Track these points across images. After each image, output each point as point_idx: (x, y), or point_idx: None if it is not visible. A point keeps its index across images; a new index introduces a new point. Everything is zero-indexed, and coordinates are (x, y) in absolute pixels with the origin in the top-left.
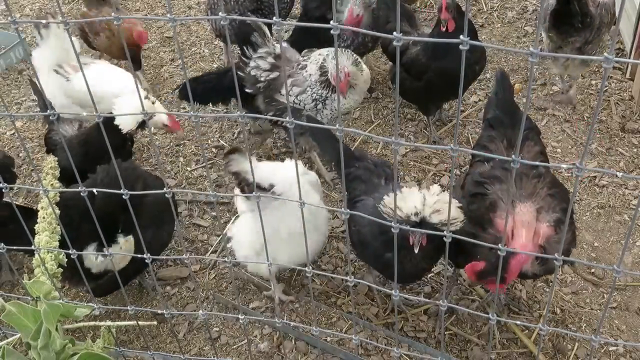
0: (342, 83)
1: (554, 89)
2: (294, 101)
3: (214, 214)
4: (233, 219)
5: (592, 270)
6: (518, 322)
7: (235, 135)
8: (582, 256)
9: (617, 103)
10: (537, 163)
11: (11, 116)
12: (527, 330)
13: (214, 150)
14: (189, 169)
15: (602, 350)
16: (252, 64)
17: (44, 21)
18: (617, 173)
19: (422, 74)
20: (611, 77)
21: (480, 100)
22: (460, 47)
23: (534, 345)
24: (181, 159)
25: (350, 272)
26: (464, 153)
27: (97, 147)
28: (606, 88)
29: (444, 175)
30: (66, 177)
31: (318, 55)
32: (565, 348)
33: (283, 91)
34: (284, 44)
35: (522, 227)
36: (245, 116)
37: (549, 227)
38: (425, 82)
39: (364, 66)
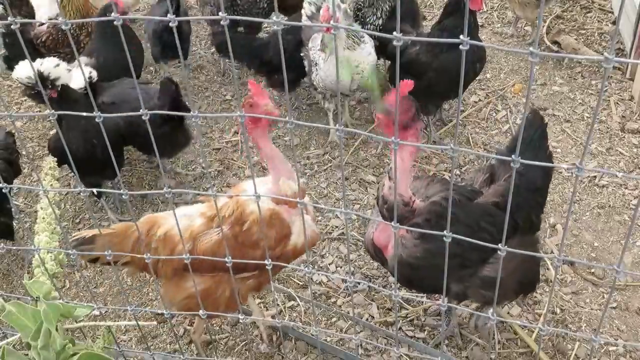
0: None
1: (554, 89)
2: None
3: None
4: None
5: (592, 270)
6: (518, 322)
7: (232, 135)
8: (582, 256)
9: (617, 103)
10: (539, 163)
11: (11, 116)
12: (527, 330)
13: (215, 149)
14: (190, 168)
15: (602, 350)
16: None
17: (43, 21)
18: (617, 173)
19: (423, 73)
20: (611, 77)
21: (480, 100)
22: (461, 47)
23: (535, 344)
24: (181, 159)
25: (350, 272)
26: (464, 153)
27: None
28: (606, 88)
29: (444, 175)
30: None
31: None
32: (565, 348)
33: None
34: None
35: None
36: (244, 116)
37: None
38: (426, 81)
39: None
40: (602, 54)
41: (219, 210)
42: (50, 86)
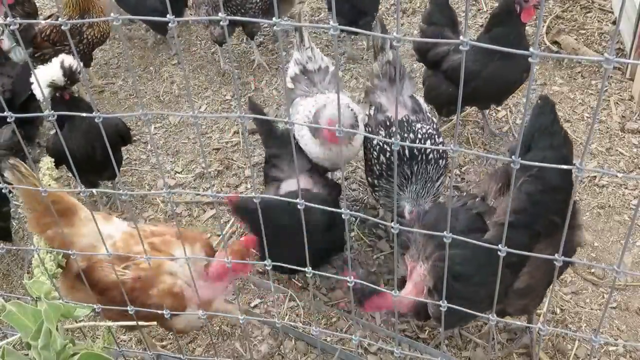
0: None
1: (554, 89)
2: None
3: (213, 212)
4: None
5: (592, 270)
6: (518, 322)
7: (232, 135)
8: (582, 256)
9: (617, 103)
10: (539, 164)
11: (11, 116)
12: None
13: (214, 151)
14: (188, 170)
15: (602, 350)
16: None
17: (42, 21)
18: (618, 173)
19: (468, 81)
20: (611, 77)
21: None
22: (460, 47)
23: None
24: (181, 159)
25: (350, 272)
26: (463, 153)
27: None
28: (606, 88)
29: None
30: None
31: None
32: (565, 348)
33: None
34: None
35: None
36: (244, 117)
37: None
38: (469, 89)
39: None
40: (602, 54)
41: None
42: (70, 84)
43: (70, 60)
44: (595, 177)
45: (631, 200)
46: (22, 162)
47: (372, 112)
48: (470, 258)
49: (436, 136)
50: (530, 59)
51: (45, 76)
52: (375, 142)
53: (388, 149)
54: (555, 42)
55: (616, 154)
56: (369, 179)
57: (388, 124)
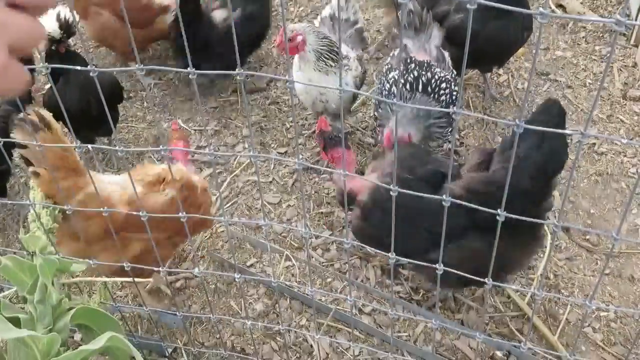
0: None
1: (557, 54)
2: None
3: (210, 170)
4: (228, 178)
5: (587, 237)
6: (513, 287)
7: (230, 93)
8: (578, 223)
9: (620, 70)
10: (541, 128)
11: None
12: (519, 294)
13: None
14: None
15: (594, 316)
16: None
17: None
18: (622, 139)
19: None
20: (616, 43)
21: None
22: (468, 5)
23: (528, 308)
24: (179, 119)
25: (347, 234)
26: (464, 117)
27: None
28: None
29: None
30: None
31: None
32: (557, 313)
33: None
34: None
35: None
36: (243, 73)
37: None
38: (471, 49)
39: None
40: (611, 17)
41: (160, 175)
42: (66, 37)
43: (66, 12)
44: (594, 144)
45: (629, 168)
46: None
47: (396, 52)
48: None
49: (452, 83)
50: (539, 19)
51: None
52: (391, 75)
53: (401, 80)
54: (560, 6)
55: (617, 122)
56: (377, 102)
57: (409, 61)
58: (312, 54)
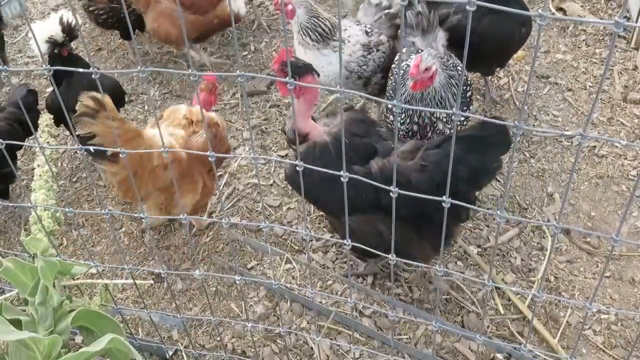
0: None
1: (557, 57)
2: None
3: None
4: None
5: (588, 240)
6: (513, 289)
7: (232, 95)
8: (578, 225)
9: (621, 73)
10: (540, 129)
11: (6, 70)
12: (519, 297)
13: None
14: None
15: (594, 318)
16: None
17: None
18: (621, 141)
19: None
20: (615, 45)
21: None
22: (467, 7)
23: (528, 310)
24: None
25: (348, 236)
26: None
27: None
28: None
29: None
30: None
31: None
32: (557, 315)
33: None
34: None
35: None
36: (244, 75)
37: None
38: (470, 48)
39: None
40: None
41: (186, 115)
42: (68, 40)
43: (69, 16)
44: (594, 147)
45: (630, 171)
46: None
47: (404, 50)
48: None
49: (466, 79)
50: (538, 21)
51: (44, 31)
52: (403, 64)
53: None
54: (560, 9)
55: (617, 124)
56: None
57: (421, 50)
58: (296, 25)
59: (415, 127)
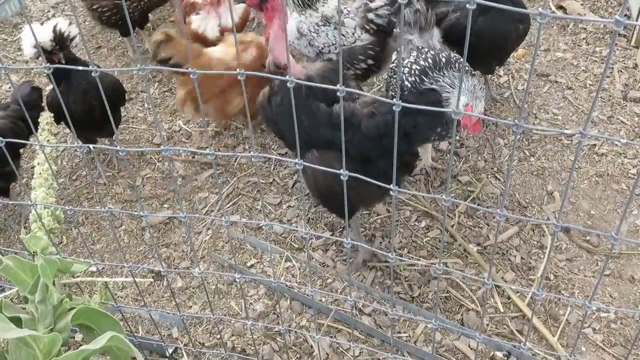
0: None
1: (557, 55)
2: None
3: (211, 171)
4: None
5: (587, 238)
6: (513, 287)
7: None
8: (578, 224)
9: (621, 71)
10: (541, 128)
11: (5, 68)
12: (519, 295)
13: None
14: (186, 126)
15: (594, 316)
16: None
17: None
18: (621, 139)
19: (464, 39)
20: (616, 44)
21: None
22: (467, 5)
23: (528, 309)
24: (180, 120)
25: (348, 234)
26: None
27: None
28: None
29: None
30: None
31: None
32: (557, 313)
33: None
34: None
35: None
36: (243, 73)
37: None
38: (469, 48)
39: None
40: (611, 17)
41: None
42: (59, 49)
43: (64, 25)
44: (594, 145)
45: (630, 170)
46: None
47: (402, 48)
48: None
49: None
50: (538, 19)
51: (34, 37)
52: (406, 62)
53: (418, 68)
54: (560, 7)
55: (617, 123)
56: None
57: (420, 47)
58: None
59: None
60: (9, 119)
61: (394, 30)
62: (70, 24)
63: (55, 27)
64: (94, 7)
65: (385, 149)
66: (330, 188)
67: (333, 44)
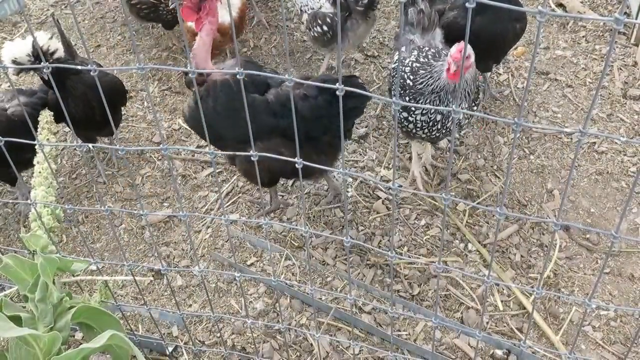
0: None
1: (557, 53)
2: None
3: (210, 170)
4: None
5: (587, 236)
6: (513, 285)
7: None
8: (578, 222)
9: (620, 69)
10: (539, 126)
11: (4, 67)
12: (519, 292)
13: None
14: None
15: (594, 314)
16: None
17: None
18: (620, 138)
19: (462, 37)
20: (615, 42)
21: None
22: (467, 4)
23: (530, 304)
24: (180, 119)
25: (348, 233)
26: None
27: None
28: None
29: None
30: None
31: None
32: (557, 311)
33: None
34: None
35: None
36: (243, 72)
37: None
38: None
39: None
40: (611, 16)
41: None
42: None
43: (44, 40)
44: (594, 143)
45: (630, 168)
46: None
47: (403, 48)
48: (232, 98)
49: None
50: (537, 17)
51: (11, 50)
52: (407, 61)
53: (418, 65)
54: (560, 5)
55: (617, 121)
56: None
57: (420, 47)
58: None
59: (438, 117)
60: (31, 106)
61: (357, 8)
62: (50, 38)
63: (34, 42)
64: (133, 2)
65: (325, 126)
66: (279, 171)
67: (307, 4)
